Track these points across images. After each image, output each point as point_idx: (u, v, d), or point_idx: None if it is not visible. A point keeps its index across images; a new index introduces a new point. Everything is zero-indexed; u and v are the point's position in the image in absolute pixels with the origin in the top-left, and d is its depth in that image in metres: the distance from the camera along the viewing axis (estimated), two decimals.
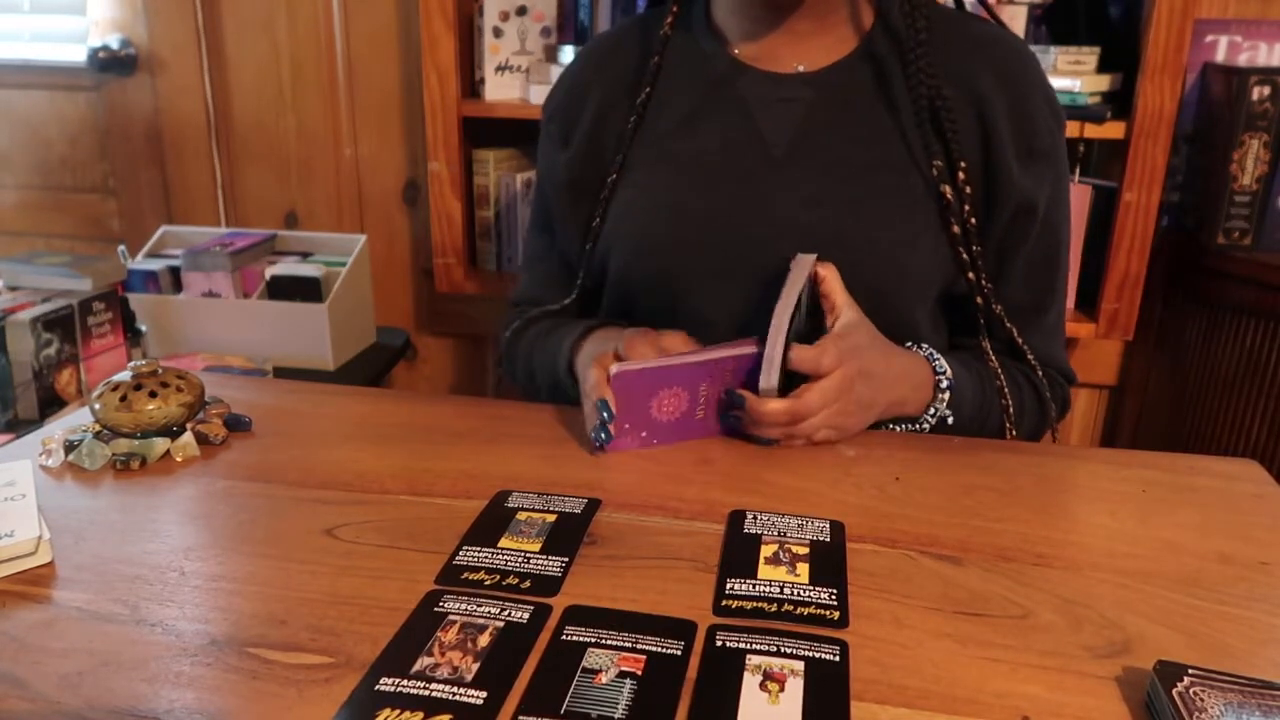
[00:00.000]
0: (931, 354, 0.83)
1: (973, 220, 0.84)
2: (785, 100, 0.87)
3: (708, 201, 0.86)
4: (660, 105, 0.90)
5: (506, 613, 0.53)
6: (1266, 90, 1.45)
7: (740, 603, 0.55)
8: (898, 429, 0.83)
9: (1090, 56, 1.46)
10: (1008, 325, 0.88)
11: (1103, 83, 1.47)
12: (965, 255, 0.84)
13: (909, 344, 0.84)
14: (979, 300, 0.86)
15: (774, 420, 0.73)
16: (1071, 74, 1.45)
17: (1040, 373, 0.90)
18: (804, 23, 0.86)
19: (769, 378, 0.72)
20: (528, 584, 0.56)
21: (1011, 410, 0.87)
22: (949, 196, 0.83)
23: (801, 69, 0.87)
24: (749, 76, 0.88)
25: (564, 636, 0.51)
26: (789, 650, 0.50)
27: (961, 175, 0.83)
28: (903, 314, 0.85)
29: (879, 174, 0.84)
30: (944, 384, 0.82)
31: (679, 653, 0.50)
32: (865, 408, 0.77)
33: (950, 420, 0.83)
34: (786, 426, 0.73)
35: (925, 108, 0.83)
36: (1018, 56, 0.87)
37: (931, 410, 0.82)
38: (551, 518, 0.63)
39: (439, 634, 0.51)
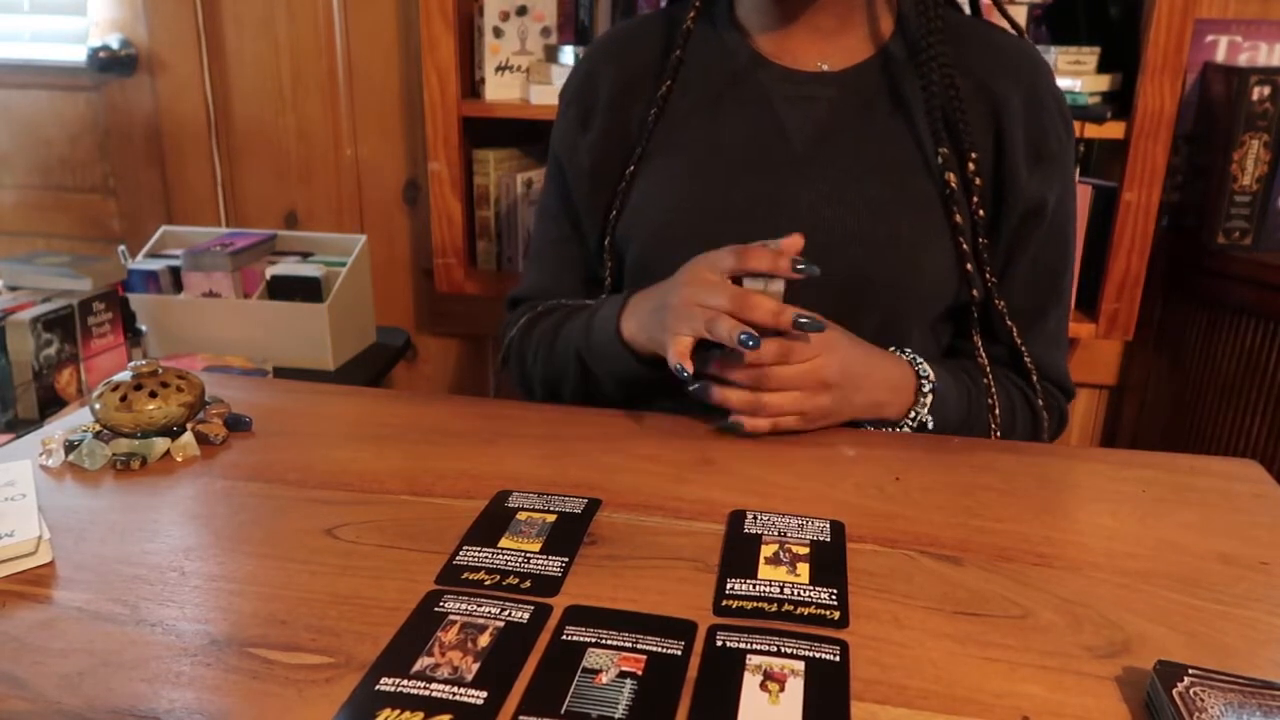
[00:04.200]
0: (915, 358, 0.82)
1: (980, 213, 0.84)
2: (808, 98, 0.87)
3: (727, 193, 0.86)
4: (681, 98, 0.90)
5: (507, 613, 0.53)
6: (1266, 90, 1.45)
7: (740, 603, 0.55)
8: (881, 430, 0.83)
9: (1090, 56, 1.46)
10: (1008, 327, 0.88)
11: (1103, 83, 1.47)
12: (967, 246, 0.84)
13: (893, 348, 0.83)
14: (974, 293, 0.86)
15: (764, 357, 0.73)
16: (1071, 74, 1.45)
17: (1039, 390, 0.90)
18: (825, 20, 0.87)
19: (776, 281, 0.72)
20: (528, 584, 0.56)
21: (999, 423, 0.87)
22: (952, 184, 0.83)
23: (825, 68, 0.88)
24: (771, 71, 0.88)
25: (564, 636, 0.51)
26: (789, 650, 0.50)
27: (972, 166, 0.83)
28: (914, 314, 0.85)
29: (898, 174, 0.85)
30: (926, 388, 0.81)
31: (679, 653, 0.50)
32: (838, 401, 0.77)
33: (930, 426, 0.82)
34: (766, 370, 0.73)
35: (937, 95, 0.83)
36: (1032, 63, 0.88)
37: (912, 414, 0.82)
38: (551, 518, 0.63)
39: (439, 634, 0.51)
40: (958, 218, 0.83)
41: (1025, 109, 0.85)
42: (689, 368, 0.73)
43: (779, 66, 0.88)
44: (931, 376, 0.82)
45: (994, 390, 0.87)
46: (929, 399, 0.81)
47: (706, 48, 0.91)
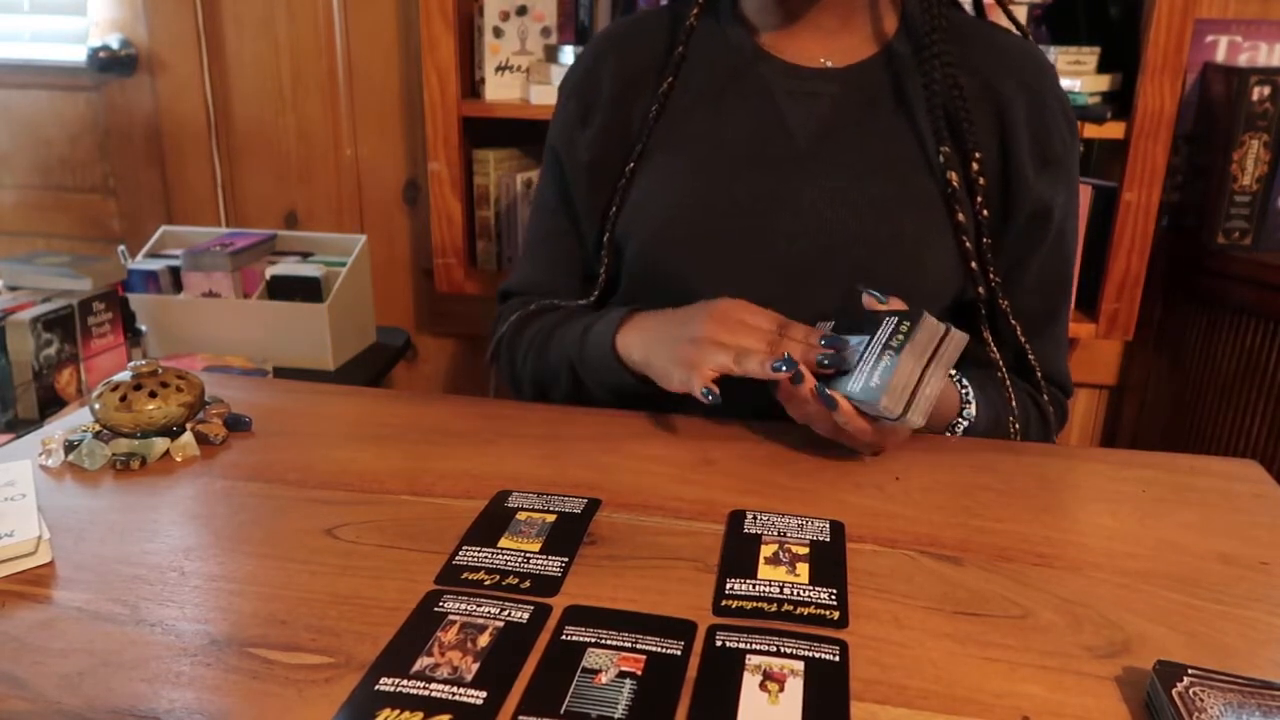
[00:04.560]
0: (966, 393, 0.82)
1: (984, 213, 0.84)
2: (811, 94, 0.87)
3: (729, 189, 0.85)
4: (683, 93, 0.89)
5: (506, 613, 0.53)
6: (1266, 90, 1.45)
7: (740, 603, 0.55)
8: None
9: (1090, 56, 1.47)
10: (1012, 326, 0.88)
11: (1103, 83, 1.47)
12: (970, 245, 0.84)
13: (954, 373, 0.83)
14: (981, 290, 0.85)
15: (861, 433, 0.71)
16: (1071, 74, 1.45)
17: (1046, 395, 0.90)
18: (829, 19, 0.86)
19: (900, 407, 0.67)
20: (528, 584, 0.56)
21: (1018, 434, 0.87)
22: (955, 182, 0.83)
23: (828, 64, 0.87)
24: (773, 65, 0.88)
25: (564, 636, 0.51)
26: (789, 650, 0.50)
27: (975, 166, 0.83)
28: None
29: (901, 172, 0.84)
30: (961, 426, 0.82)
31: (679, 653, 0.50)
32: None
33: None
34: (857, 441, 0.72)
35: (939, 93, 0.83)
36: (1038, 66, 0.87)
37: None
38: (551, 518, 0.63)
39: (439, 634, 0.51)
40: (960, 216, 0.83)
41: (1030, 111, 0.85)
42: (716, 390, 0.72)
43: (781, 61, 0.88)
44: (973, 415, 0.82)
45: (1013, 402, 0.87)
46: (959, 429, 0.82)
47: (710, 43, 0.90)
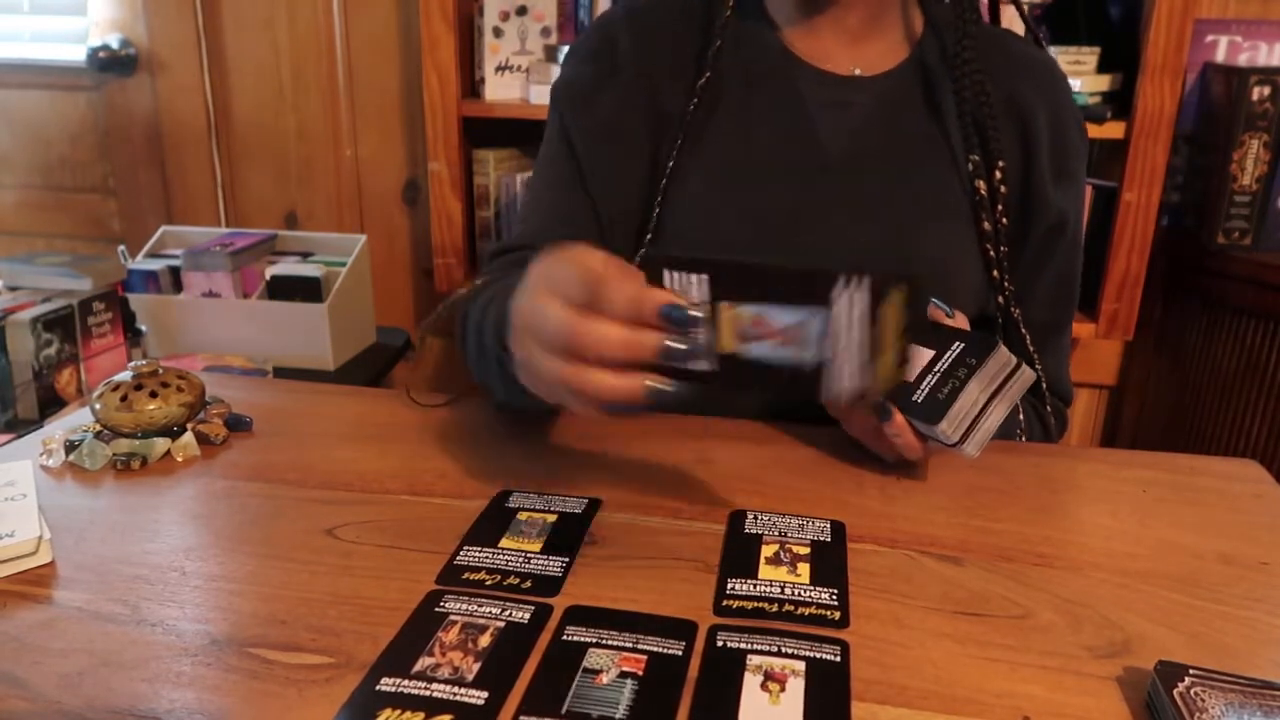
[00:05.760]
0: None
1: (1004, 220, 0.84)
2: (841, 104, 0.85)
3: (758, 199, 0.83)
4: (716, 92, 0.85)
5: (507, 613, 0.53)
6: (1266, 90, 1.45)
7: (741, 603, 0.55)
8: None
9: (1090, 56, 1.47)
10: (1022, 335, 0.87)
11: (1103, 83, 1.48)
12: (993, 253, 0.83)
13: None
14: (1000, 299, 0.85)
15: (909, 450, 0.69)
16: (1071, 74, 1.45)
17: (1049, 406, 0.91)
18: (851, 20, 0.84)
19: (958, 434, 0.66)
20: (528, 584, 0.56)
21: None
22: (982, 191, 0.82)
23: (858, 72, 0.86)
24: (804, 71, 0.86)
25: (565, 637, 0.51)
26: (790, 650, 0.50)
27: (998, 175, 0.83)
28: None
29: (932, 185, 0.83)
30: None
31: (680, 653, 0.50)
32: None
33: None
34: (895, 453, 0.71)
35: (969, 100, 0.82)
36: (1055, 78, 0.88)
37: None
38: (552, 518, 0.63)
39: (440, 634, 0.51)
40: (985, 224, 0.83)
41: (1050, 125, 0.85)
42: (666, 384, 0.52)
43: (813, 68, 0.86)
44: None
45: (1020, 414, 0.87)
46: None
47: (740, 40, 0.87)
